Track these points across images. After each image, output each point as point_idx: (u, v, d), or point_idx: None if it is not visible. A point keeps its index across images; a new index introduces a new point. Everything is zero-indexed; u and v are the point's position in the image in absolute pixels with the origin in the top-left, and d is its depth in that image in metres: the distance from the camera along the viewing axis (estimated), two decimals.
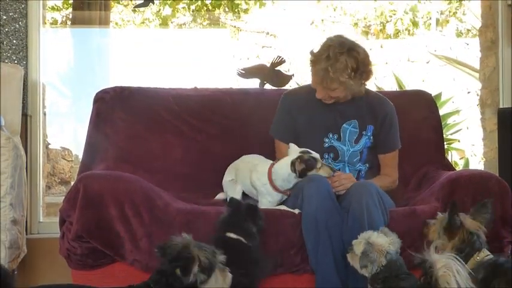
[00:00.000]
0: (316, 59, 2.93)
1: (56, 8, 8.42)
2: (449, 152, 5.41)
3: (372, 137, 3.07)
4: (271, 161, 2.97)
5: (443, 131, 3.69)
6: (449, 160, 4.07)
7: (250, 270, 2.53)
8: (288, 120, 3.12)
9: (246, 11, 8.79)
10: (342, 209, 2.75)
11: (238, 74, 3.77)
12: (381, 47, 8.60)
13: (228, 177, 3.13)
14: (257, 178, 2.93)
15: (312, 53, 2.97)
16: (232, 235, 2.58)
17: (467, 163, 5.75)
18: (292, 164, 2.83)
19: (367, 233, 2.50)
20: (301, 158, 2.83)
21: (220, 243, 2.47)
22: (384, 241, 2.45)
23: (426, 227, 2.58)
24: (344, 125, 3.05)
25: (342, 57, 2.87)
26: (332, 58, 2.88)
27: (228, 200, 2.78)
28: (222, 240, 2.54)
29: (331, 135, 3.05)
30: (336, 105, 3.04)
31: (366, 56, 2.95)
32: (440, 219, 2.53)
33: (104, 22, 6.73)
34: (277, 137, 3.14)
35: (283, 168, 2.86)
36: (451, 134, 5.65)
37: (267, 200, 2.91)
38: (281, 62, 3.67)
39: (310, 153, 2.86)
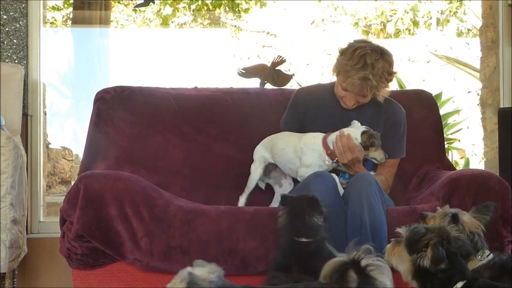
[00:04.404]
0: (350, 69, 2.84)
1: (56, 7, 8.43)
2: (449, 151, 5.40)
3: None
4: None
5: (444, 130, 3.68)
6: (450, 160, 4.07)
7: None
8: (295, 116, 3.10)
9: (246, 10, 8.79)
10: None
11: (239, 74, 3.77)
12: None
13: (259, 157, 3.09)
14: (308, 143, 2.93)
15: (343, 62, 2.87)
16: (302, 239, 2.48)
17: (467, 163, 5.74)
18: (363, 133, 2.86)
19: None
20: (368, 133, 2.87)
21: (291, 249, 2.46)
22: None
23: (423, 221, 2.52)
24: None
25: (378, 64, 2.83)
26: (369, 65, 2.82)
27: (280, 197, 2.66)
28: (292, 247, 2.48)
29: None
30: (347, 111, 3.01)
31: (392, 57, 2.96)
32: (440, 215, 2.47)
33: (105, 22, 6.73)
34: (284, 130, 3.12)
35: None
36: (452, 134, 5.65)
37: (306, 170, 2.90)
38: (281, 61, 3.67)
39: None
